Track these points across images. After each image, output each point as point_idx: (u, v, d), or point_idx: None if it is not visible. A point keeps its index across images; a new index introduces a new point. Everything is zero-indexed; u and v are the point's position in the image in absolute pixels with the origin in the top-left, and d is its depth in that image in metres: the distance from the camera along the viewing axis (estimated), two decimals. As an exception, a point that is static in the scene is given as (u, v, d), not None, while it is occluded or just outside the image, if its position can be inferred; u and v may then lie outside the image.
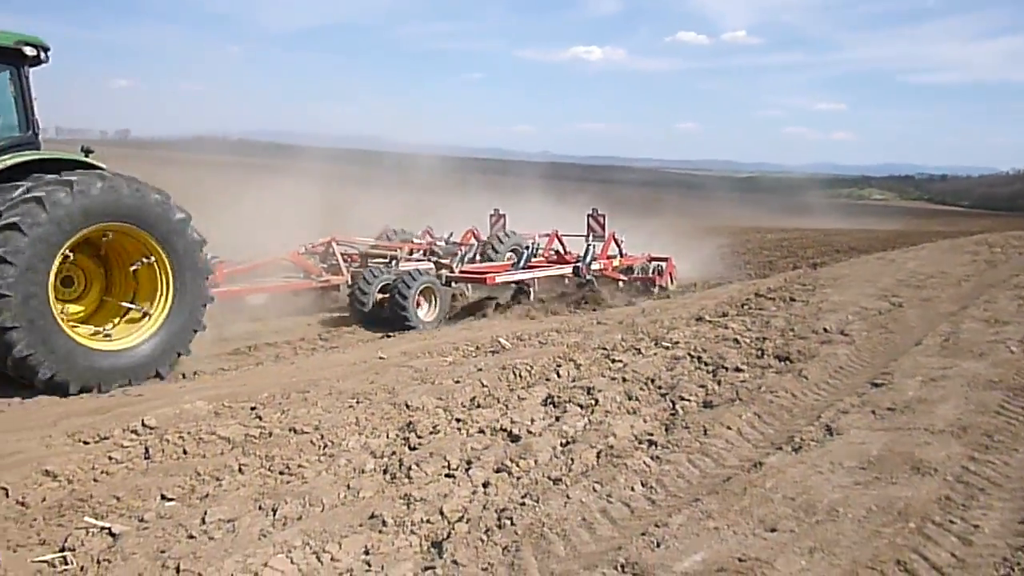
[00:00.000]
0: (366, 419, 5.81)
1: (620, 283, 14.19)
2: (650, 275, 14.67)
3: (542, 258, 13.94)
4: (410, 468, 4.79)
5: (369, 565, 3.65)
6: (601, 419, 5.78)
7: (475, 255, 14.14)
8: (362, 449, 5.23)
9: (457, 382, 6.84)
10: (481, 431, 5.56)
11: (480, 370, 7.33)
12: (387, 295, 11.20)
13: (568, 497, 4.33)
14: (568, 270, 13.04)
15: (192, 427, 5.50)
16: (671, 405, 6.24)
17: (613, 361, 7.61)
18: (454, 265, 12.27)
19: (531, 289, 12.52)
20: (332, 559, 3.72)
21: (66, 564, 3.73)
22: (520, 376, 7.14)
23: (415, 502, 4.31)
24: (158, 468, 4.90)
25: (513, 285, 12.46)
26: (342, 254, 12.96)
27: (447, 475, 4.75)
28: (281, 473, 4.85)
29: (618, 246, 14.60)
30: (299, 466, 4.91)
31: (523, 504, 4.24)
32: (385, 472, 4.83)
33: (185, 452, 5.16)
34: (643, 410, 6.09)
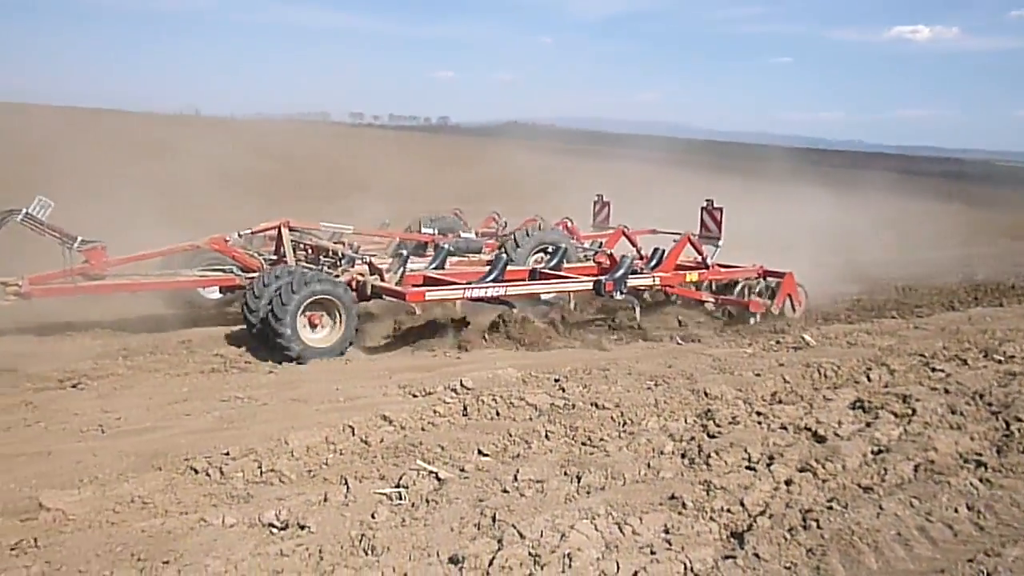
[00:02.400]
0: (664, 402, 5.88)
1: (705, 304, 10.03)
2: (745, 298, 9.95)
3: (593, 264, 10.07)
4: (709, 455, 4.78)
5: (670, 544, 3.73)
6: (919, 431, 5.33)
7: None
8: (660, 431, 5.31)
9: (757, 375, 6.68)
10: (783, 427, 5.40)
11: (782, 365, 7.09)
12: None
13: (881, 508, 4.07)
14: (586, 285, 8.94)
15: (504, 392, 5.93)
16: (1004, 425, 5.58)
17: (933, 370, 6.96)
18: (394, 270, 8.42)
19: (514, 309, 8.43)
20: (633, 532, 3.84)
21: (400, 499, 4.23)
22: (825, 376, 6.79)
23: (715, 489, 4.30)
24: (475, 425, 5.37)
25: (486, 304, 8.49)
26: (300, 243, 9.51)
27: (747, 467, 4.68)
28: (583, 444, 5.09)
29: (698, 252, 10.08)
30: (601, 439, 5.11)
31: (830, 508, 4.07)
32: (683, 456, 4.87)
33: (498, 414, 5.59)
34: (969, 427, 5.52)
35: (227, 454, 4.72)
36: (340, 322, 7.64)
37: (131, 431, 5.21)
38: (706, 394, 6.09)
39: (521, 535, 3.71)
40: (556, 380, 6.43)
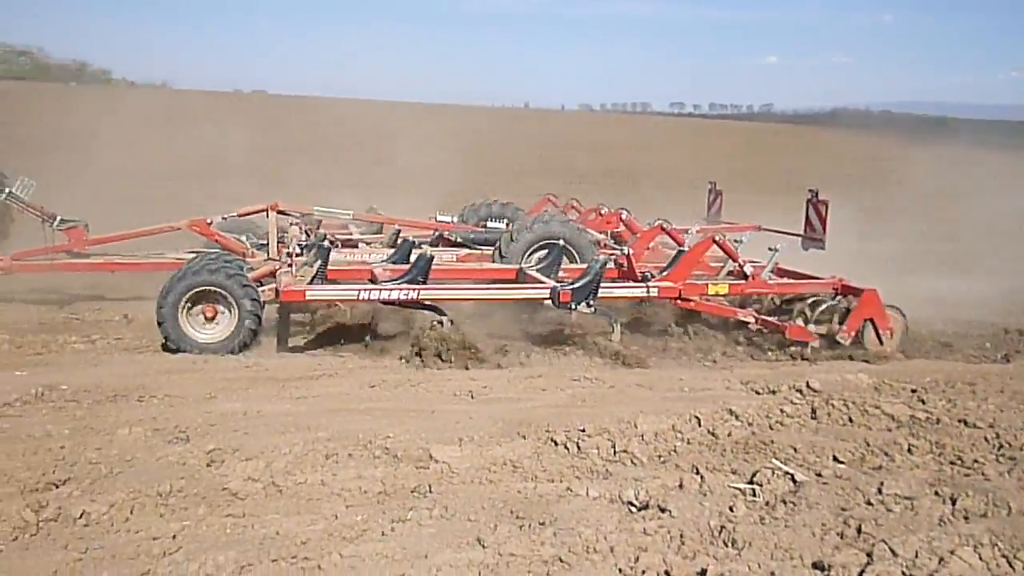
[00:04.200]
0: (1050, 428, 5.21)
1: (748, 325, 8.02)
2: (782, 320, 7.86)
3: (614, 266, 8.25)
4: (1117, 495, 4.16)
5: (1074, 589, 3.33)
6: None
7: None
8: (1049, 460, 4.73)
9: None
10: None
11: None
12: None
13: None
14: (541, 293, 7.39)
15: (855, 397, 5.65)
16: None
17: None
18: (309, 262, 7.54)
19: (444, 316, 7.12)
20: (1024, 569, 3.49)
21: (754, 496, 4.22)
22: None
23: None
24: (827, 430, 5.18)
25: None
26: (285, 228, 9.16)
27: None
28: (953, 463, 4.69)
29: (731, 256, 8.15)
30: (975, 461, 4.67)
31: None
32: (1080, 492, 4.29)
33: (850, 420, 5.34)
34: None
35: (583, 430, 5.03)
36: (232, 317, 7.08)
37: (497, 399, 5.76)
38: (1105, 424, 5.29)
39: (893, 552, 3.52)
40: (914, 391, 5.97)
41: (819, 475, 4.45)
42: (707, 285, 7.76)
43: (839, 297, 7.93)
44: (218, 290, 7.01)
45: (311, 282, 7.18)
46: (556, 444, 4.90)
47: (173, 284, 6.98)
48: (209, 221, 8.72)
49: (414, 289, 7.10)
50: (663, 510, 4.00)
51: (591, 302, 7.19)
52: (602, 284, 7.37)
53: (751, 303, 8.30)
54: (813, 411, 5.47)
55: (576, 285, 7.20)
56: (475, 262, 8.75)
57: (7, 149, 19.39)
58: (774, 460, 4.59)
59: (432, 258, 7.45)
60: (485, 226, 9.97)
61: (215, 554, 3.53)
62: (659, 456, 4.83)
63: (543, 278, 7.74)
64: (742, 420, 5.27)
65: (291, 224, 9.04)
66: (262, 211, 9.03)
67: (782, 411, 5.44)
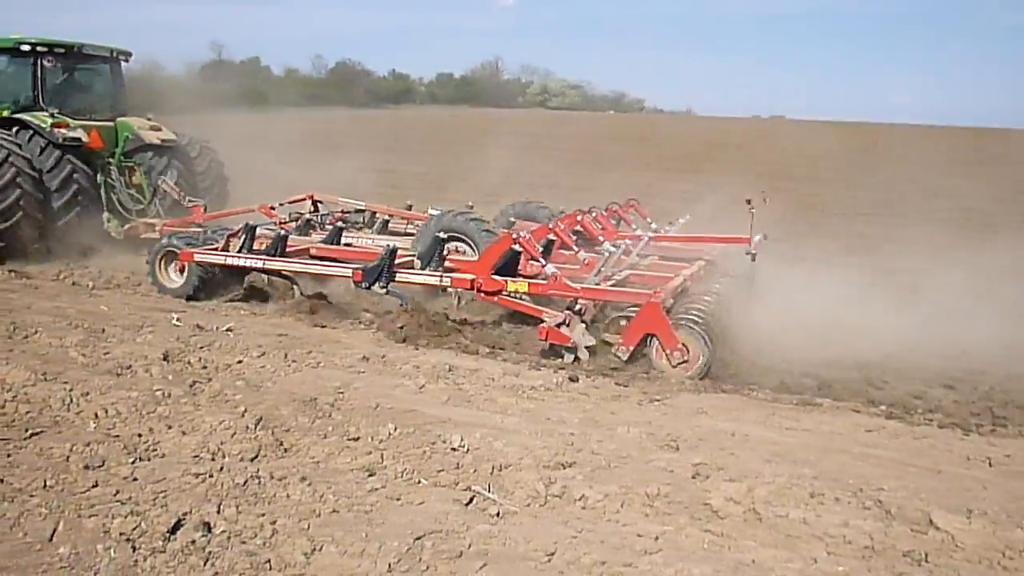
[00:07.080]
0: None
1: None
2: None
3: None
4: None
5: None
6: None
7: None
8: None
9: None
10: None
11: None
12: None
13: None
14: (345, 273, 8.27)
15: None
16: None
17: None
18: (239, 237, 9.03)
19: (295, 286, 8.85)
20: None
21: None
22: None
23: None
24: None
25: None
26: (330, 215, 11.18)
27: None
28: None
29: (534, 256, 7.78)
30: None
31: None
32: None
33: None
34: None
35: None
36: (188, 272, 9.10)
37: (1022, 473, 4.91)
38: None
39: None
40: None
41: None
42: (507, 281, 7.67)
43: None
44: (174, 251, 9.24)
45: (238, 251, 8.84)
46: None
47: (154, 245, 9.46)
48: (272, 206, 11.22)
49: (258, 259, 8.66)
50: None
51: (383, 284, 7.86)
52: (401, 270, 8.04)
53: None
54: None
55: (367, 267, 7.96)
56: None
57: (558, 167, 22.55)
58: None
59: (286, 236, 8.94)
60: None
61: (691, 566, 3.64)
62: None
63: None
64: None
65: (329, 212, 11.35)
66: (303, 200, 11.63)
67: None
